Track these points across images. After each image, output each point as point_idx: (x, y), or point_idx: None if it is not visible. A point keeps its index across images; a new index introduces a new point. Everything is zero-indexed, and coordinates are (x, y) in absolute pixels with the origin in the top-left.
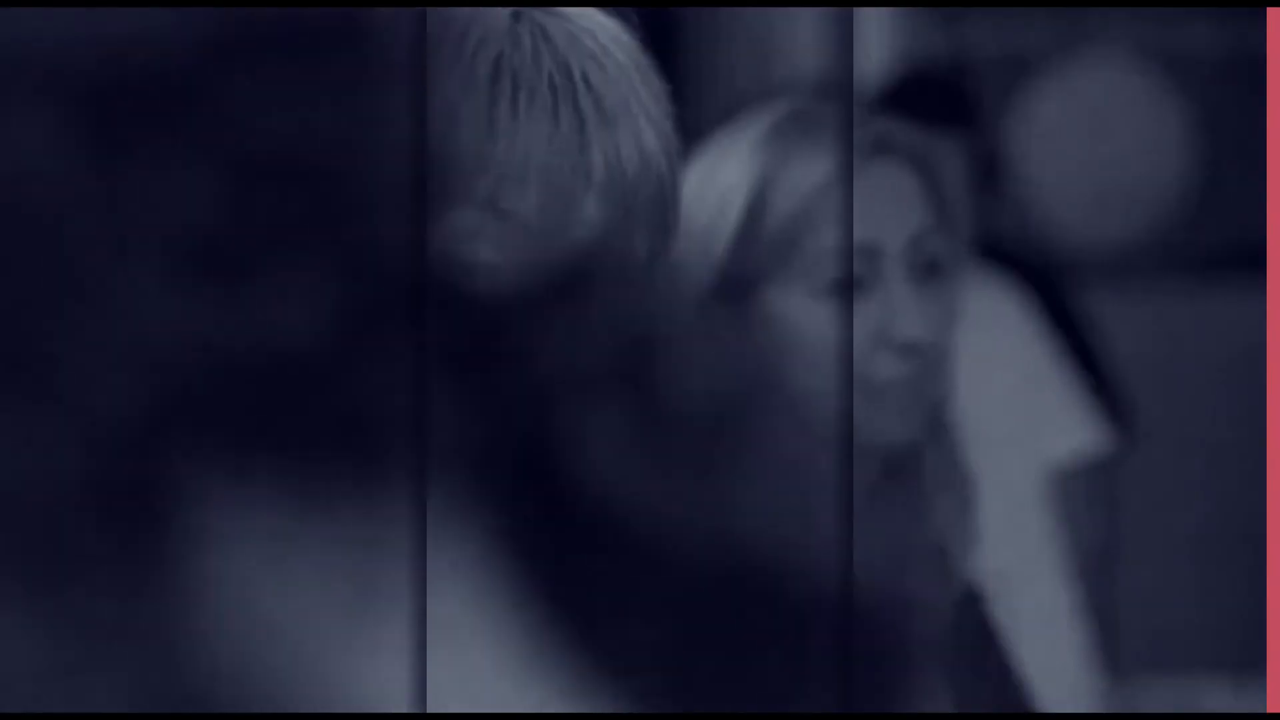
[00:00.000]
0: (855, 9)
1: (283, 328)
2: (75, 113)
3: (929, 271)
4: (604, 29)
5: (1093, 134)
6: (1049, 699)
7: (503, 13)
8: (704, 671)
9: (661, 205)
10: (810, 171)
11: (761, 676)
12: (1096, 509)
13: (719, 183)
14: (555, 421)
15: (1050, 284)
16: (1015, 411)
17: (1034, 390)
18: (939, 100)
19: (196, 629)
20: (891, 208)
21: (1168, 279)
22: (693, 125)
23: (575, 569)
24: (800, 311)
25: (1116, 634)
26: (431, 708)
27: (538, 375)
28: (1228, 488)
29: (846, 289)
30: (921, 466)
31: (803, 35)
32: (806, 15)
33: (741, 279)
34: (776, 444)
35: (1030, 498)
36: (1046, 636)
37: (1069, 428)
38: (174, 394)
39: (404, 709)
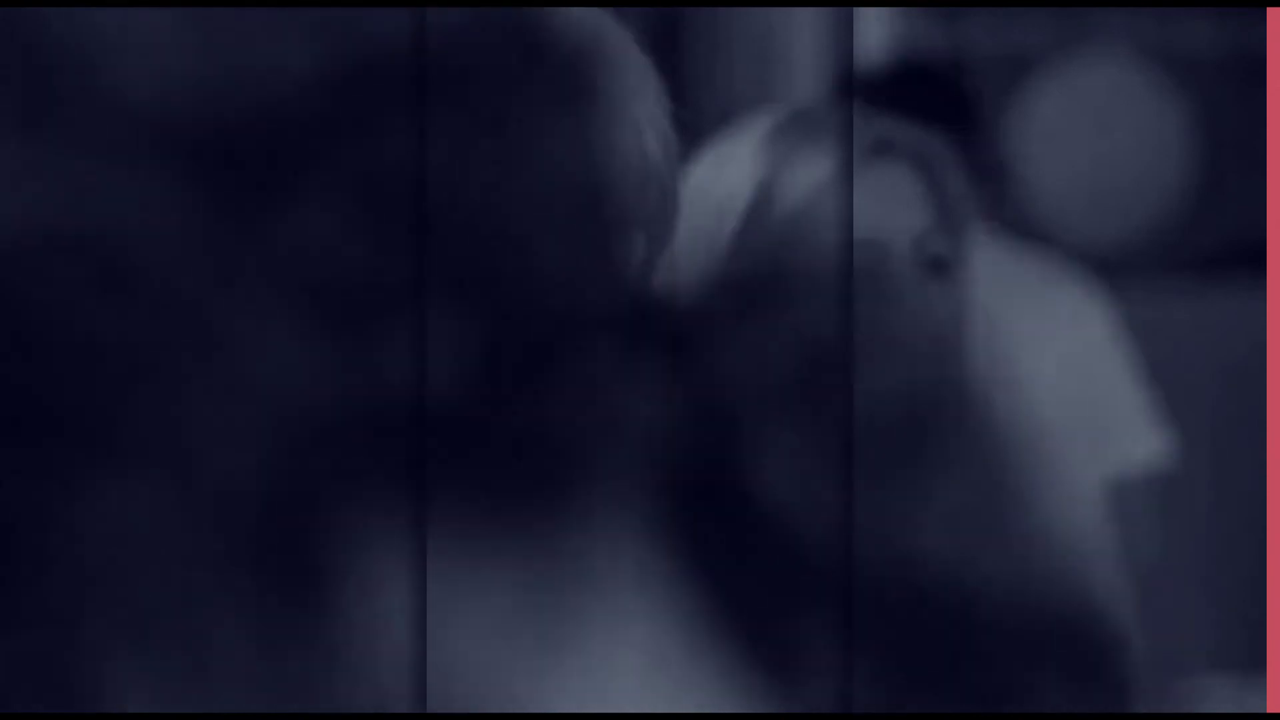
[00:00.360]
0: (855, 9)
1: (441, 369)
2: (203, 161)
3: (933, 270)
4: (603, 28)
5: (1093, 133)
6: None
7: None
8: (890, 689)
9: (661, 205)
10: (812, 172)
11: (947, 691)
12: (1155, 521)
13: (721, 183)
14: (742, 436)
15: None
16: (1085, 415)
17: (1106, 394)
18: (939, 99)
19: (374, 673)
20: (893, 207)
21: (1168, 279)
22: (693, 125)
23: (765, 586)
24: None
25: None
26: None
27: (723, 389)
28: (1228, 488)
29: (846, 285)
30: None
31: (802, 35)
32: (806, 15)
33: (742, 275)
34: (965, 454)
35: (1093, 503)
36: None
37: (1139, 436)
38: (350, 444)
39: None
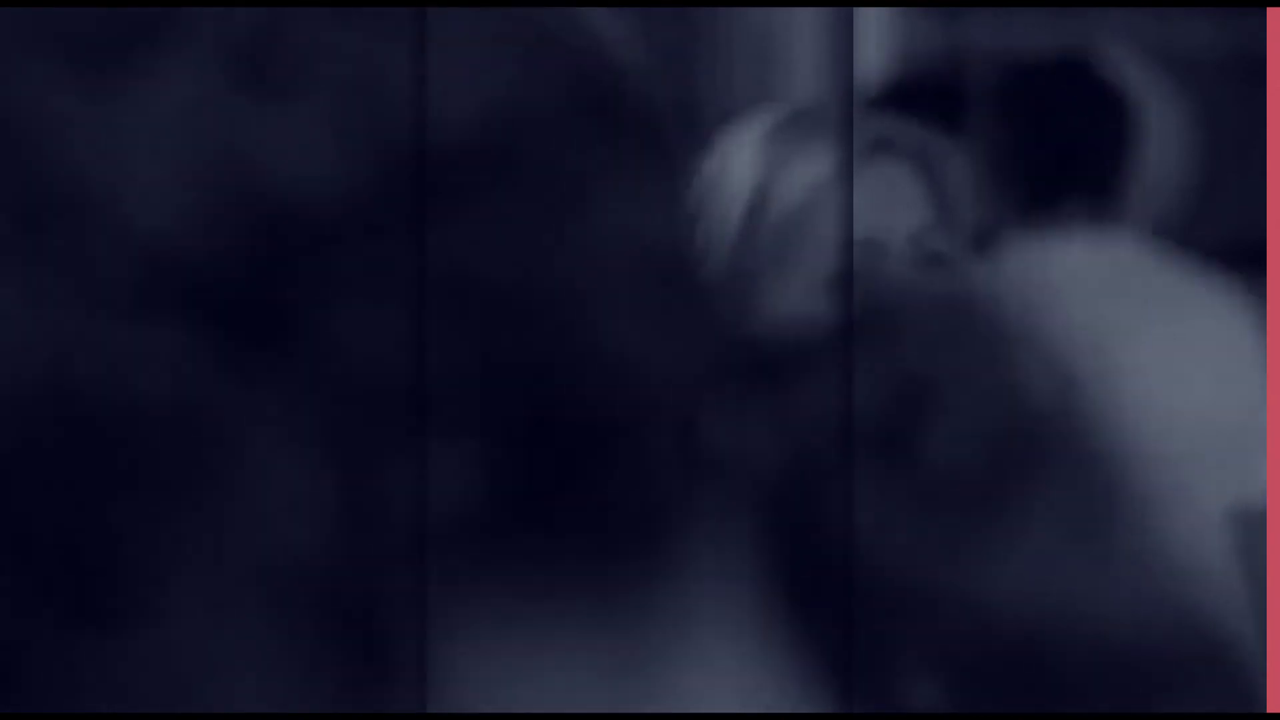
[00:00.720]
0: (855, 9)
1: (533, 431)
2: (215, 290)
3: (932, 267)
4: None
5: None
6: None
7: None
8: None
9: None
10: (811, 169)
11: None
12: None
13: (722, 182)
14: (830, 473)
15: None
16: (1220, 435)
17: (1242, 417)
18: (939, 98)
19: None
20: (892, 205)
21: None
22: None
23: (860, 630)
24: (797, 306)
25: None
26: None
27: (818, 431)
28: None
29: (846, 285)
30: None
31: (803, 35)
32: (806, 15)
33: (743, 275)
34: (1062, 491)
35: (1217, 525)
36: None
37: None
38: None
39: None
